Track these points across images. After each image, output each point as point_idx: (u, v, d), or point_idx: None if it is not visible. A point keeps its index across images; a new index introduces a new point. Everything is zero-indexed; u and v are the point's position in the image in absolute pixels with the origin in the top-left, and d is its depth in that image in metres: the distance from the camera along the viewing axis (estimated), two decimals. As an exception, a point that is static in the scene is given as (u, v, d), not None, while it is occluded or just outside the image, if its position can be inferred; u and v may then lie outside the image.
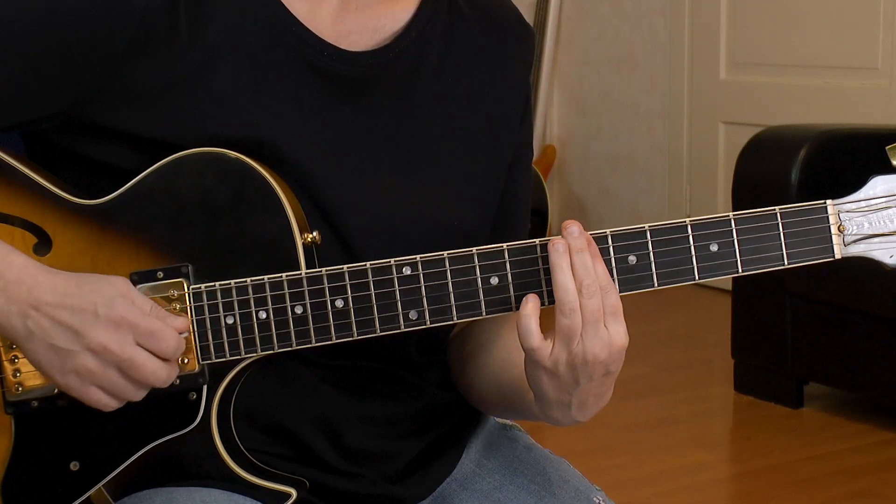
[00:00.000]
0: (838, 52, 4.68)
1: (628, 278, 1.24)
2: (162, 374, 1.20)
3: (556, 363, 1.21)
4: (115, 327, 1.18)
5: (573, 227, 1.22)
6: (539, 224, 4.90)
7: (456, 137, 1.37)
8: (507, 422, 1.48)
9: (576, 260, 1.21)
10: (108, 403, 1.21)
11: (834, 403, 3.80)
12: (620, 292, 1.23)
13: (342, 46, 1.32)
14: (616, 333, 1.21)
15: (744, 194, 3.68)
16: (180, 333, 1.22)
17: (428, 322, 1.24)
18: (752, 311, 3.77)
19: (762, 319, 3.75)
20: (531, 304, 1.22)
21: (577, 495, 1.39)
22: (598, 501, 1.39)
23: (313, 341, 1.24)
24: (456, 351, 1.43)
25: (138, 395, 1.21)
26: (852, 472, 3.30)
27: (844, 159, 3.63)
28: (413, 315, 1.24)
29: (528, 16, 5.62)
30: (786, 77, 4.88)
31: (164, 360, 1.21)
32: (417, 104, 1.35)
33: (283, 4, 1.30)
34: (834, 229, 1.24)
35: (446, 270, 1.24)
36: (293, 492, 1.28)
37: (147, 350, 1.20)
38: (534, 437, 1.48)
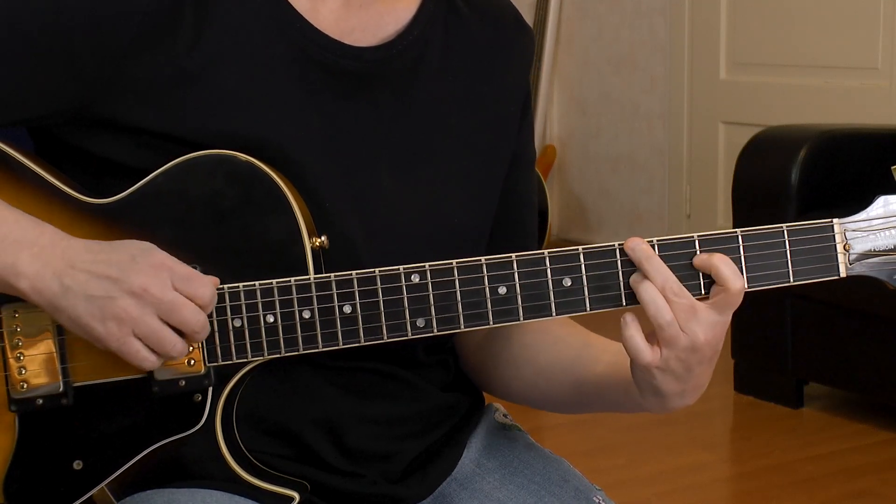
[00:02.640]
0: (838, 52, 4.68)
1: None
2: (201, 320, 1.20)
3: (667, 361, 1.22)
4: (154, 271, 1.19)
5: (632, 242, 1.23)
6: (539, 224, 4.90)
7: (455, 135, 1.37)
8: (508, 422, 1.49)
9: (648, 268, 1.22)
10: (148, 357, 1.20)
11: (834, 403, 3.81)
12: (628, 305, 1.24)
13: (346, 43, 1.33)
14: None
15: (744, 194, 3.68)
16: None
17: (435, 330, 1.25)
18: (752, 312, 3.77)
19: (762, 319, 3.76)
20: (633, 325, 1.22)
21: (577, 495, 1.39)
22: (598, 501, 1.39)
23: (320, 346, 1.24)
24: (490, 355, 1.43)
25: (178, 347, 1.20)
26: (852, 472, 3.30)
27: (844, 159, 3.63)
28: (420, 323, 1.24)
29: (528, 16, 5.62)
30: (786, 77, 4.89)
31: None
32: (417, 103, 1.35)
33: (288, 2, 1.31)
34: (840, 248, 1.25)
35: (455, 279, 1.24)
36: (296, 495, 1.28)
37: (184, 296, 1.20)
38: (534, 437, 1.49)
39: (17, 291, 1.21)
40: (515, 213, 1.45)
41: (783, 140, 3.69)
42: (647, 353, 1.22)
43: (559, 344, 1.39)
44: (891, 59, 4.51)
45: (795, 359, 3.71)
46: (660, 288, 1.22)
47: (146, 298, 1.18)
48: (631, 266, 1.24)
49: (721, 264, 1.22)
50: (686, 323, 1.21)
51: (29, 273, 1.19)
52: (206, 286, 1.20)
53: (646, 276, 1.22)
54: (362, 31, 1.34)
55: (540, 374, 1.40)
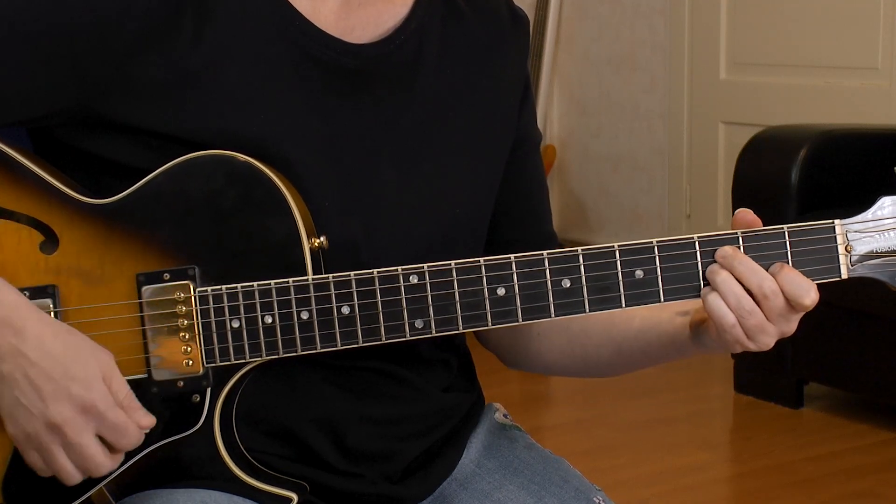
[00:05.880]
0: (838, 52, 4.68)
1: (635, 293, 1.24)
2: (105, 468, 1.22)
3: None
4: (81, 411, 1.19)
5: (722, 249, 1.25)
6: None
7: (455, 128, 1.38)
8: (508, 422, 1.49)
9: (719, 283, 1.23)
10: (41, 469, 1.22)
11: (834, 403, 3.81)
12: (626, 306, 1.24)
13: (346, 41, 1.33)
14: (794, 320, 1.26)
15: (744, 194, 3.68)
16: (144, 430, 1.23)
17: (434, 331, 1.25)
18: (752, 311, 3.76)
19: (762, 319, 3.75)
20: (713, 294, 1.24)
21: (577, 495, 1.39)
22: (598, 501, 1.39)
23: (318, 347, 1.25)
24: (521, 332, 1.44)
25: (73, 478, 1.21)
26: (852, 472, 3.30)
27: (844, 159, 3.63)
28: (419, 324, 1.24)
29: (528, 16, 5.61)
30: (786, 77, 4.88)
31: (116, 452, 1.22)
32: (417, 97, 1.36)
33: (288, 1, 1.31)
34: (841, 249, 1.24)
35: (453, 280, 1.24)
36: (294, 496, 1.28)
37: (106, 440, 1.20)
38: (534, 437, 1.49)
39: None
40: (525, 195, 1.45)
41: (783, 140, 3.69)
42: (730, 315, 1.24)
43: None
44: (891, 59, 4.51)
45: (795, 359, 3.71)
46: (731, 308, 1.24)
47: (57, 433, 1.19)
48: (630, 267, 1.24)
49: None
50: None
51: None
52: (130, 437, 1.21)
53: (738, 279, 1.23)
54: (362, 29, 1.35)
55: (574, 340, 1.41)
